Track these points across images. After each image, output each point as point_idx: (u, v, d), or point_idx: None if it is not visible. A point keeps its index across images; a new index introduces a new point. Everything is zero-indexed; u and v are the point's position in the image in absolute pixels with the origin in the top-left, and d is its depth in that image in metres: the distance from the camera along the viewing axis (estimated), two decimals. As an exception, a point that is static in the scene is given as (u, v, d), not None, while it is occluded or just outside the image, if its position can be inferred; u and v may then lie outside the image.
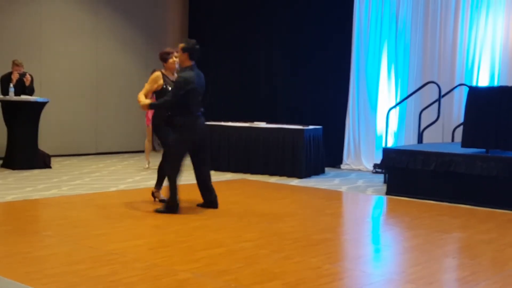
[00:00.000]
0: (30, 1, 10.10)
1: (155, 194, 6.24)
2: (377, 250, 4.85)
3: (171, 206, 5.70)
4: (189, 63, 5.73)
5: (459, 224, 5.73)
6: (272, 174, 8.74)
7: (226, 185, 7.83)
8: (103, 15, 11.05)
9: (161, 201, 6.09)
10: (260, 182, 8.15)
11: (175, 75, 6.01)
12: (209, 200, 6.03)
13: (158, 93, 6.01)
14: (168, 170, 5.81)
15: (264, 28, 11.07)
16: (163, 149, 6.20)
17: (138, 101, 5.90)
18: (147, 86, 6.01)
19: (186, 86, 5.63)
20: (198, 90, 5.79)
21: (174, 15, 12.34)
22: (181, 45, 5.74)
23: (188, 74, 5.69)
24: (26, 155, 8.59)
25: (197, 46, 5.74)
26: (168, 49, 6.16)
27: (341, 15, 10.07)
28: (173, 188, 5.69)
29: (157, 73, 6.05)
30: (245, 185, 7.89)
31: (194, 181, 6.09)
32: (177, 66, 5.99)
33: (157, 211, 5.73)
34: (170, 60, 6.01)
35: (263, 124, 9.24)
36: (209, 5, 12.05)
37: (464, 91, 8.53)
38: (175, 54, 5.95)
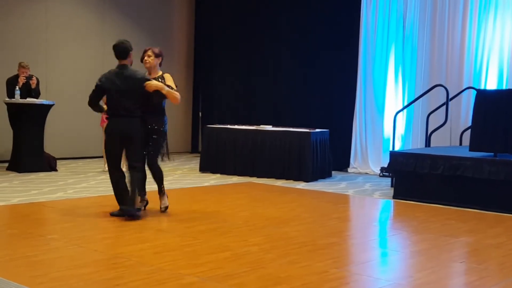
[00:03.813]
0: (36, 4, 10.12)
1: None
2: (384, 255, 4.81)
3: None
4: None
5: (467, 229, 5.68)
6: (278, 177, 8.71)
7: (232, 189, 7.81)
8: (109, 18, 11.07)
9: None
10: (266, 186, 8.12)
11: (158, 73, 5.94)
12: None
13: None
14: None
15: (271, 31, 11.05)
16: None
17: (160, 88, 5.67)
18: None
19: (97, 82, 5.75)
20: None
21: (181, 18, 12.35)
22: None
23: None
24: (32, 158, 8.60)
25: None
26: (146, 47, 6.05)
27: (348, 18, 10.03)
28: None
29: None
30: (251, 189, 7.86)
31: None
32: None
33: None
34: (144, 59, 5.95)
35: (269, 127, 9.22)
36: (216, 8, 12.05)
37: (472, 94, 8.47)
38: (148, 53, 5.90)
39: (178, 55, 12.33)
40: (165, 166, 9.83)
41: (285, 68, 10.86)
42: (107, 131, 5.70)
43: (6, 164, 8.92)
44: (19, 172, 8.46)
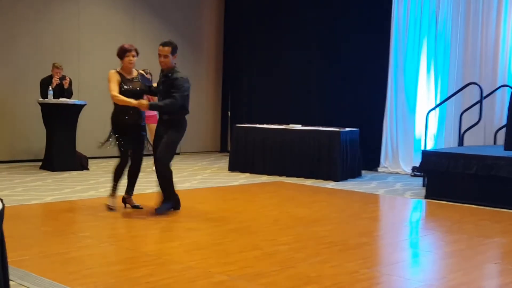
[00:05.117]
0: (68, 5, 10.28)
1: (127, 201, 5.97)
2: (416, 255, 4.75)
3: (171, 201, 5.72)
4: (174, 63, 5.74)
5: (501, 229, 5.56)
6: (307, 177, 8.66)
7: (261, 188, 7.80)
8: (140, 19, 11.17)
9: (134, 207, 5.89)
10: (295, 185, 8.09)
11: (134, 73, 5.85)
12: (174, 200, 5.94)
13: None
14: (163, 168, 5.72)
15: (299, 30, 11.00)
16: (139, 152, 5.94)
17: (123, 101, 5.56)
18: (113, 86, 5.65)
19: (188, 86, 5.71)
20: None
21: (210, 18, 12.39)
22: (167, 48, 5.68)
23: (185, 73, 5.76)
24: (65, 157, 8.72)
25: None
26: (127, 45, 5.85)
27: (378, 14, 9.91)
28: (171, 185, 5.75)
29: (113, 71, 5.77)
30: (280, 188, 7.84)
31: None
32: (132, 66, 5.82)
33: (159, 212, 5.63)
34: (126, 59, 5.78)
35: (298, 126, 9.18)
36: (244, 8, 12.06)
37: (507, 92, 8.31)
38: (133, 53, 5.77)
39: (207, 55, 12.38)
40: (195, 165, 9.94)
41: (314, 66, 10.79)
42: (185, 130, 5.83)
43: (40, 163, 9.08)
44: (52, 171, 8.60)
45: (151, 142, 6.07)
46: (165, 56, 5.68)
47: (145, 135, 6.01)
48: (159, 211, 5.67)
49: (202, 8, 12.25)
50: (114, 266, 4.03)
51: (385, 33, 9.81)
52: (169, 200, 5.76)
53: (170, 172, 5.78)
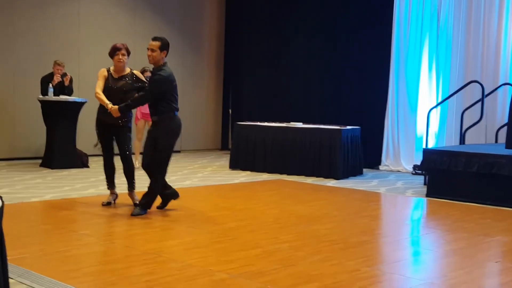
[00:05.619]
0: (68, 3, 10.26)
1: (129, 197, 6.01)
2: (416, 254, 4.73)
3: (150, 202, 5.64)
4: (163, 60, 5.64)
5: (502, 228, 5.55)
6: (308, 175, 8.65)
7: (262, 186, 7.79)
8: (140, 17, 11.15)
9: (136, 204, 5.82)
10: (296, 183, 8.08)
11: (126, 72, 5.89)
12: (168, 193, 5.85)
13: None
14: (159, 168, 5.67)
15: (300, 27, 10.99)
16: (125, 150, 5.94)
17: (100, 99, 5.73)
18: (98, 83, 5.86)
19: (165, 83, 5.59)
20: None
21: (211, 16, 12.37)
22: (156, 43, 5.58)
23: (168, 72, 5.63)
24: (65, 154, 8.71)
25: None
26: (118, 45, 5.89)
27: (380, 12, 9.90)
28: (160, 186, 5.68)
29: (103, 69, 5.93)
30: (281, 186, 7.83)
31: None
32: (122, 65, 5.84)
33: (134, 214, 5.53)
34: (116, 58, 5.84)
35: (299, 125, 9.17)
36: (245, 7, 12.04)
37: (508, 90, 8.30)
38: (122, 52, 5.80)
39: (208, 53, 12.36)
40: (196, 163, 9.93)
41: (315, 64, 10.78)
42: (179, 128, 5.72)
43: (40, 161, 9.07)
44: (52, 169, 8.58)
45: None
46: (153, 50, 5.59)
47: (128, 135, 5.96)
48: (135, 214, 5.55)
49: (203, 6, 12.22)
50: (114, 264, 4.02)
51: (386, 30, 9.79)
52: (148, 207, 5.65)
53: (163, 180, 5.76)
